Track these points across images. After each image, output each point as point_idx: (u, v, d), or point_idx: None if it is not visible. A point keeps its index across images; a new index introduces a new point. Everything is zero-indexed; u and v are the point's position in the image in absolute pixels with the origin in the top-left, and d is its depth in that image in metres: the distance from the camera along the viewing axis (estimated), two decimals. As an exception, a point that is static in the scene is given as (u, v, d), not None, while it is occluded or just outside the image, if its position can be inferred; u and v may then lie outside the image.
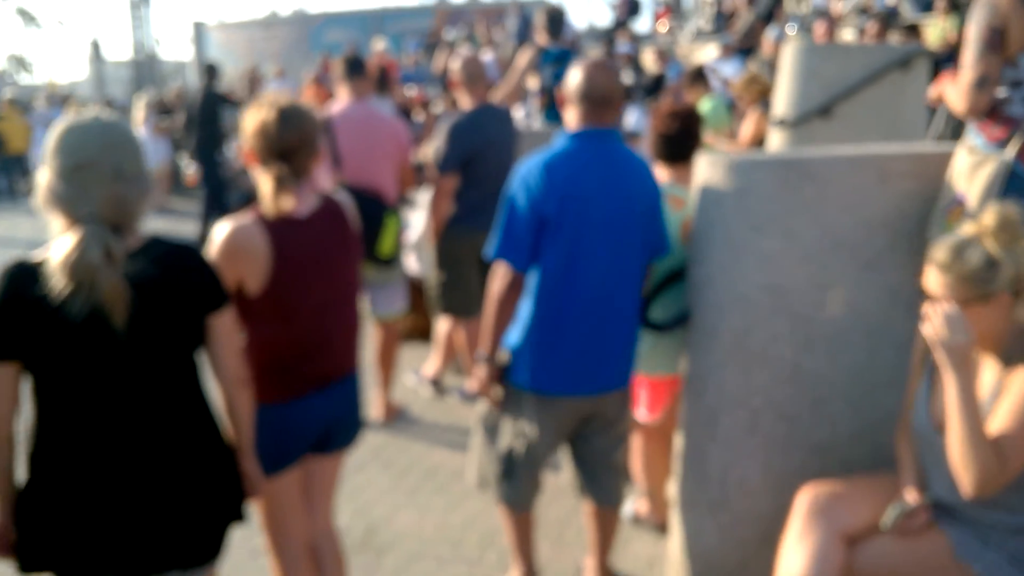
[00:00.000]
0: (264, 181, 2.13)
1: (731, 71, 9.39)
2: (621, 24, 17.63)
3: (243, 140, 2.21)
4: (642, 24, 17.20)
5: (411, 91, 13.39)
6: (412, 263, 5.21)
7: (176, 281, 1.81)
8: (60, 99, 16.05)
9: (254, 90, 14.19)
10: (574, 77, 2.55)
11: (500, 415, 2.63)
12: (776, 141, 5.67)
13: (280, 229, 2.13)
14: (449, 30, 18.87)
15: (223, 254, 2.08)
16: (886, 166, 2.59)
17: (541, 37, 5.24)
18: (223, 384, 1.97)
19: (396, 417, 4.41)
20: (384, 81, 8.83)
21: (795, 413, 2.56)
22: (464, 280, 4.26)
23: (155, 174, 12.84)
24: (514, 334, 2.57)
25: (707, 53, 11.79)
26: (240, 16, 28.44)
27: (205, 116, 9.45)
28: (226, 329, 1.92)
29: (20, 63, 50.90)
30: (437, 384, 4.72)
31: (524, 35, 17.42)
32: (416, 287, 5.18)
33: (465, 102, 4.24)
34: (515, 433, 2.59)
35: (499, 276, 2.54)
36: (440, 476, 3.82)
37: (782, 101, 5.64)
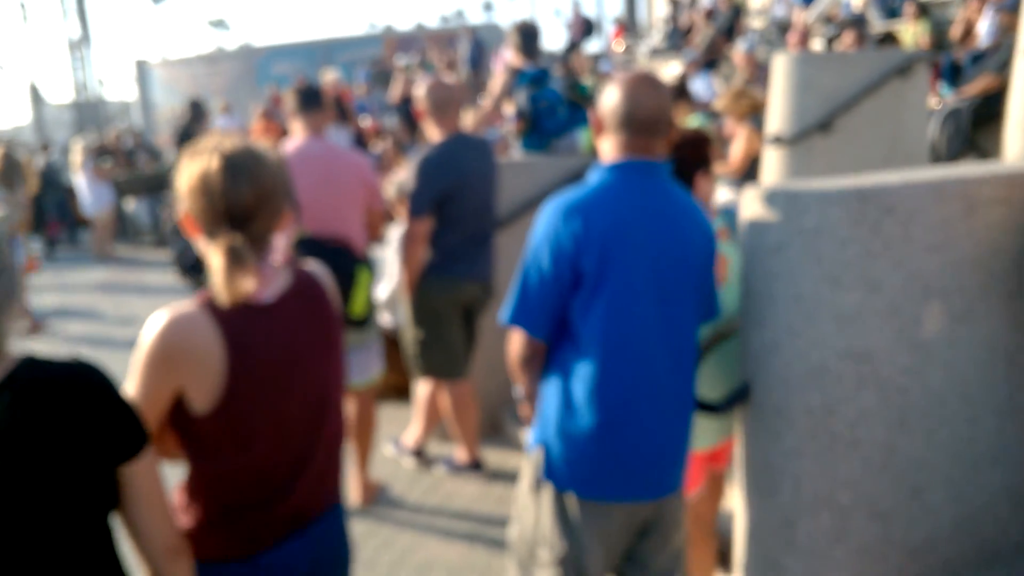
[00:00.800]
0: (212, 257, 1.54)
1: (701, 87, 9.01)
2: (575, 45, 17.31)
3: (178, 201, 1.64)
4: (595, 45, 16.83)
5: (365, 121, 12.86)
6: (385, 315, 4.64)
7: (58, 424, 1.24)
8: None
9: (201, 126, 13.60)
10: (612, 96, 2.03)
11: (535, 539, 2.05)
12: (772, 160, 5.25)
13: (236, 321, 1.56)
14: (400, 56, 18.37)
15: (156, 357, 1.50)
16: (973, 192, 2.12)
17: (514, 57, 4.75)
18: (147, 557, 1.39)
19: (375, 498, 3.82)
20: (342, 110, 8.24)
21: (890, 509, 2.04)
22: (446, 338, 3.71)
23: (97, 221, 12.06)
24: (544, 425, 2.02)
25: (671, 70, 11.44)
26: (185, 53, 27.73)
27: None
28: (146, 481, 1.35)
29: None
30: (420, 454, 4.15)
31: (477, 60, 17.02)
32: (390, 338, 4.61)
33: (434, 133, 3.70)
34: (557, 558, 2.02)
35: (515, 344, 2.04)
36: (434, 574, 3.24)
37: (777, 116, 5.21)
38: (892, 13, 10.19)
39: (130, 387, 1.49)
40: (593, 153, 3.85)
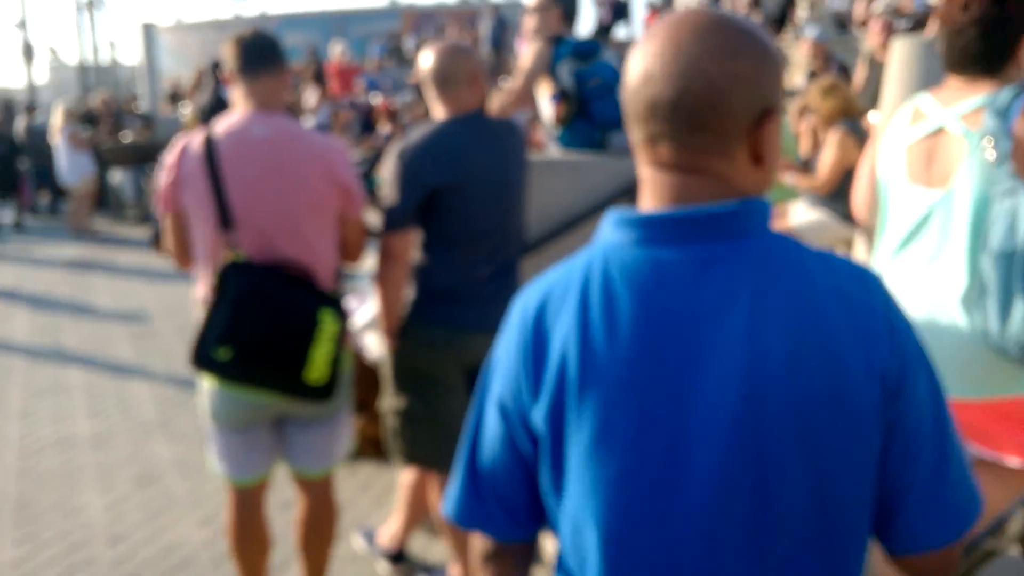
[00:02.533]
0: None
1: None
2: (606, 29, 16.15)
3: None
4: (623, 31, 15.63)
5: (376, 99, 11.74)
6: (368, 339, 3.53)
7: None
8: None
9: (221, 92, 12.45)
10: None
11: None
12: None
13: None
14: (413, 36, 17.24)
15: None
16: None
17: (552, 22, 3.59)
18: None
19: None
20: (320, 80, 7.00)
21: None
22: (439, 414, 2.57)
23: (75, 192, 10.95)
24: None
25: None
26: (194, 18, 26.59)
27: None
28: None
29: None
30: (400, 558, 3.03)
31: (499, 40, 15.83)
32: (368, 371, 3.51)
33: (438, 111, 2.58)
34: None
35: None
36: None
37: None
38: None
39: None
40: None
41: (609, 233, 1.01)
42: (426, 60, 2.57)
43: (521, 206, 2.67)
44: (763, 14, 11.44)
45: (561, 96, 3.46)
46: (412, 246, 2.52)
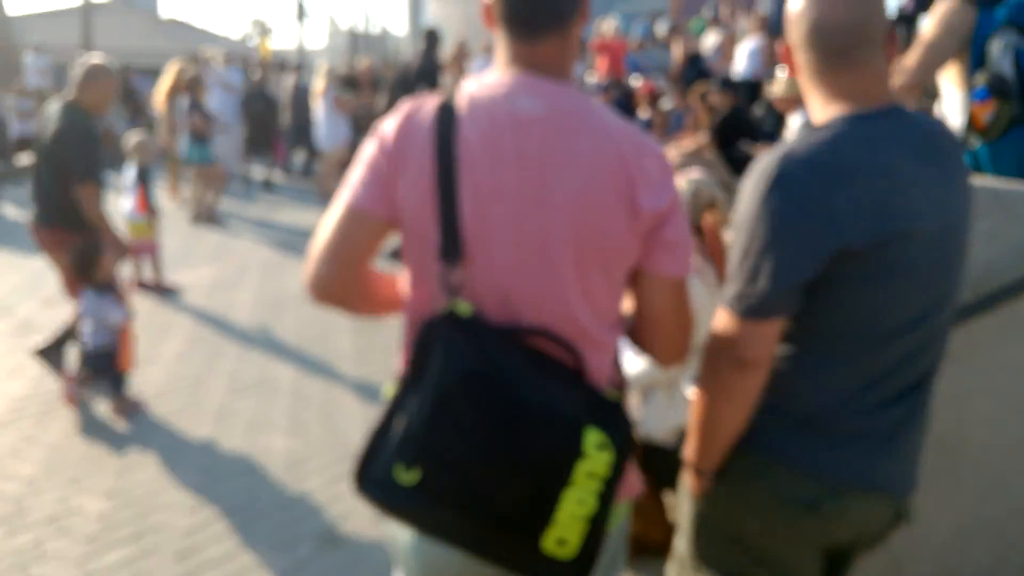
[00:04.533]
0: None
1: None
2: (908, 19, 13.96)
3: None
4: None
5: (636, 81, 10.64)
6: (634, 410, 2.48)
7: None
8: (241, 61, 14.49)
9: (461, 67, 12.01)
10: None
11: None
12: None
13: None
14: (665, 19, 15.91)
15: None
16: None
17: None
18: None
19: None
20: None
21: None
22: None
23: (328, 157, 10.74)
24: None
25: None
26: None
27: (421, 91, 6.91)
28: None
29: (262, 28, 52.95)
30: None
31: (778, 23, 14.11)
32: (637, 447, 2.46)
33: (817, 105, 1.45)
34: None
35: None
36: None
37: None
38: None
39: None
40: None
41: None
42: (795, 2, 1.46)
43: (961, 278, 1.48)
44: None
45: (994, 88, 2.17)
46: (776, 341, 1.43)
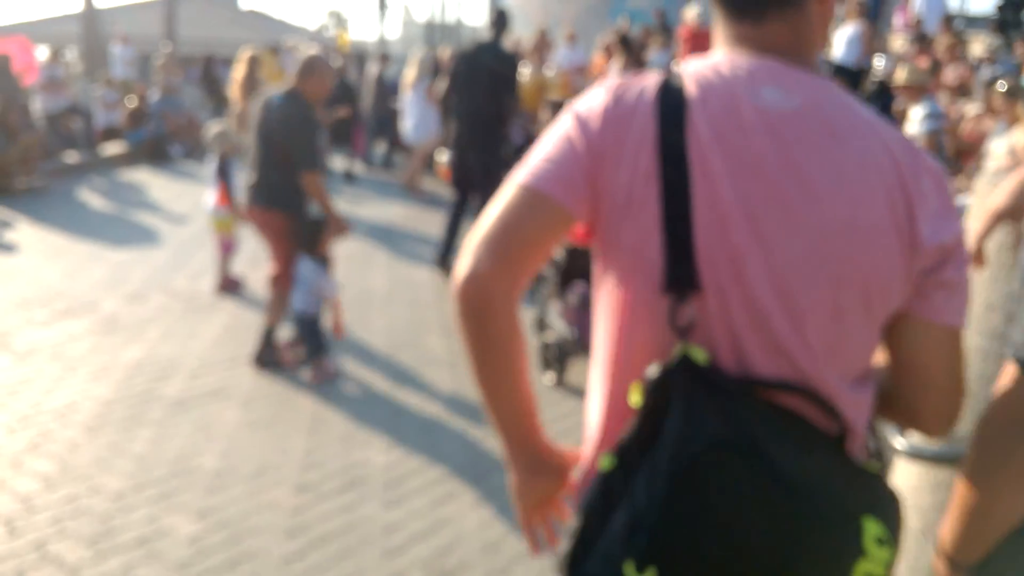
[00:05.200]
0: None
1: None
2: (1014, 26, 13.29)
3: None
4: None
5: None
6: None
7: None
8: (323, 49, 14.34)
9: (542, 56, 11.63)
10: None
11: None
12: None
13: None
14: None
15: None
16: None
17: None
18: None
19: None
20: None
21: None
22: None
23: (417, 150, 10.36)
24: None
25: None
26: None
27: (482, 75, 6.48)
28: None
29: (338, 19, 53.51)
30: None
31: (875, 9, 13.34)
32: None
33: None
34: None
35: None
36: None
37: None
38: None
39: None
40: None
41: None
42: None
43: None
44: None
45: None
46: None
